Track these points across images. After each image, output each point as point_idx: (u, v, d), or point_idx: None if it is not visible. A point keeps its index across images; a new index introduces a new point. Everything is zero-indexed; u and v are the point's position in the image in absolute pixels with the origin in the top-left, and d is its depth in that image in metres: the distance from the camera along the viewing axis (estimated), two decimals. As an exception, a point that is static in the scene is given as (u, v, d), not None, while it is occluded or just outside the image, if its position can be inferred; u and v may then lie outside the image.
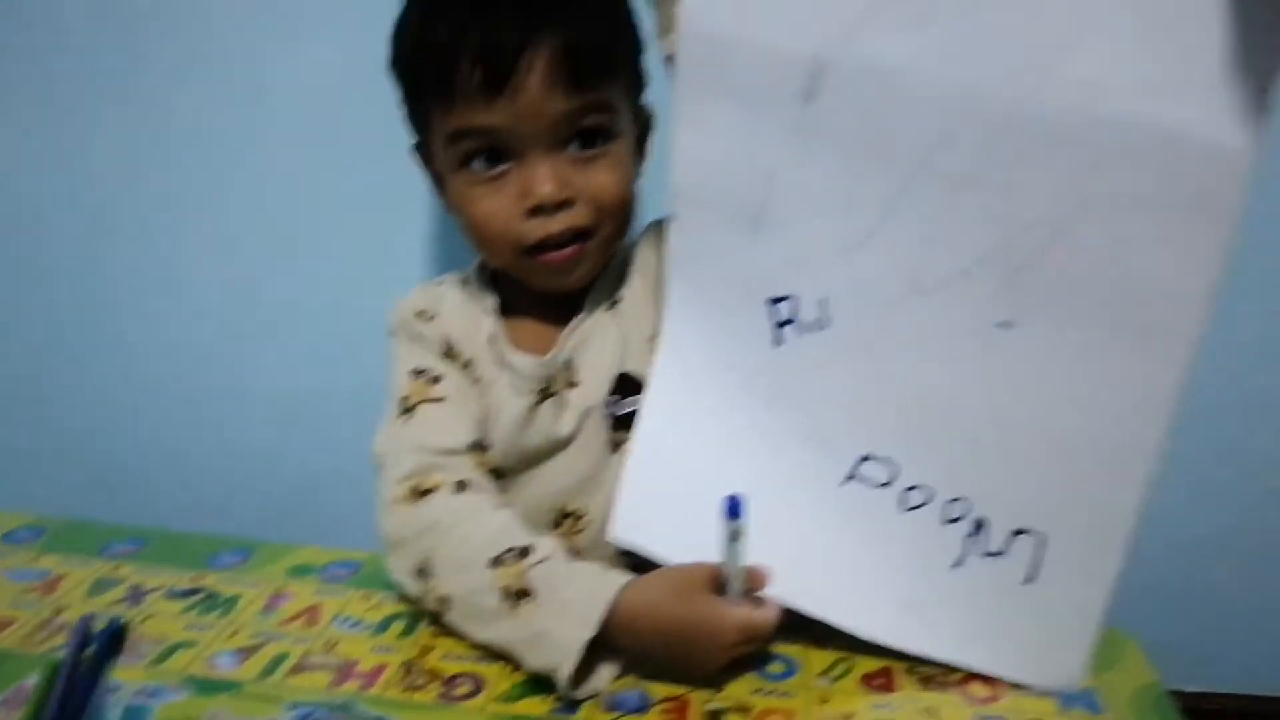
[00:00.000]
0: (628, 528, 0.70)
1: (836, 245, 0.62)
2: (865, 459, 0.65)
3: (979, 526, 0.63)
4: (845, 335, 0.64)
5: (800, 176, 0.62)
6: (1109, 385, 0.58)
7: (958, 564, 0.64)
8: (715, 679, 0.63)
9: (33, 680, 0.61)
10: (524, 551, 0.65)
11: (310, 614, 0.70)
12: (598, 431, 0.80)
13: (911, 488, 0.64)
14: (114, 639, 0.66)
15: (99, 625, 0.67)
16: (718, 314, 0.68)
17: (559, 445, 0.80)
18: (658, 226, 0.80)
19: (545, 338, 0.81)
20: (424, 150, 0.78)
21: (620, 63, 0.74)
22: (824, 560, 0.66)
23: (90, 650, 0.64)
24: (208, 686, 0.62)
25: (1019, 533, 0.62)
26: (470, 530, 0.67)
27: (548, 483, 0.81)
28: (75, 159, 1.11)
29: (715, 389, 0.69)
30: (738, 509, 0.59)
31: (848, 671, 0.66)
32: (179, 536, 0.81)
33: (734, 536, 0.60)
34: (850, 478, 0.66)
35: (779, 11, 0.60)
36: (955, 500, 0.64)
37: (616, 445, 0.79)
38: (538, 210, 0.71)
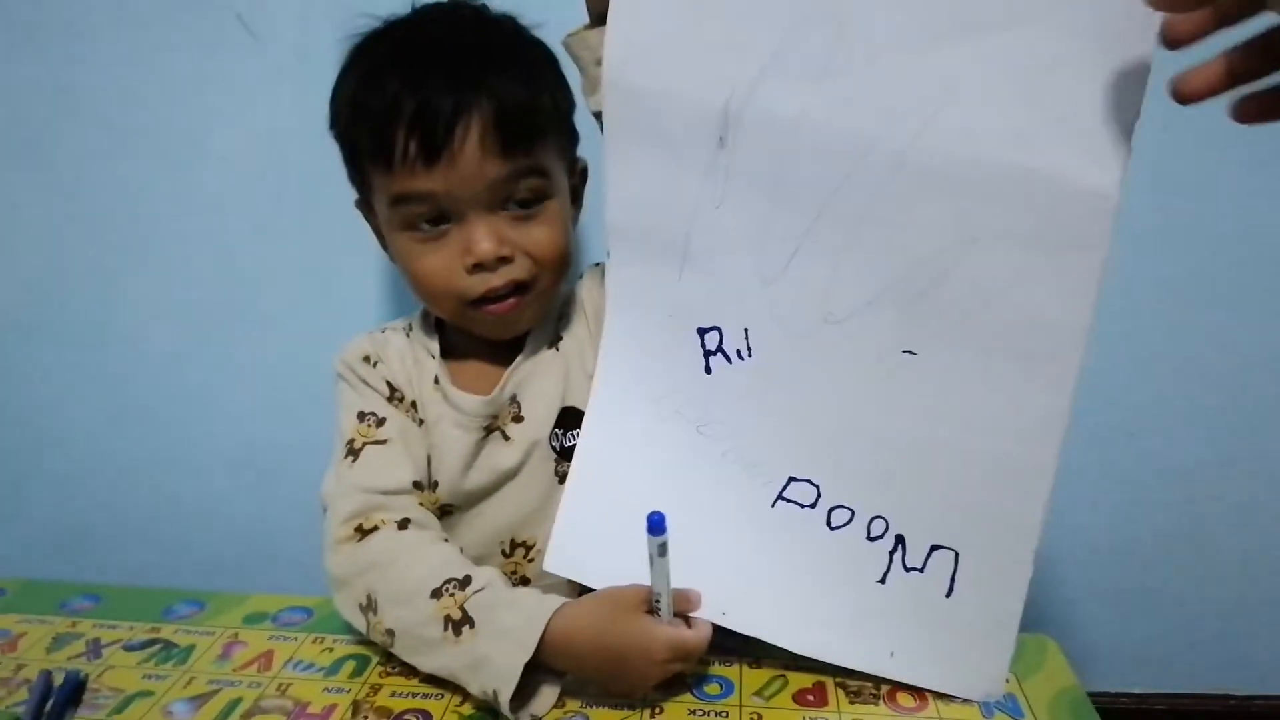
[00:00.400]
0: (562, 558, 0.73)
1: (754, 279, 0.66)
2: (792, 480, 0.69)
3: (899, 543, 0.67)
4: (766, 364, 0.68)
5: (719, 216, 0.67)
6: (1003, 409, 0.62)
7: (883, 580, 0.67)
8: (651, 697, 0.67)
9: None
10: (463, 582, 0.68)
11: (264, 659, 0.73)
12: (544, 463, 0.83)
13: (835, 507, 0.68)
14: (74, 692, 0.68)
15: (58, 679, 0.68)
16: (651, 345, 0.72)
17: (506, 477, 0.84)
18: (598, 269, 0.84)
19: (489, 377, 0.84)
20: (366, 206, 0.82)
21: (551, 123, 0.76)
22: (757, 579, 0.69)
23: (50, 703, 0.66)
24: (164, 734, 0.64)
25: (935, 548, 0.66)
26: (410, 564, 0.70)
27: (497, 515, 0.84)
28: (9, 220, 1.13)
29: (649, 417, 0.72)
30: (660, 525, 0.62)
31: (782, 689, 0.69)
32: (135, 591, 0.83)
33: (659, 553, 0.63)
34: (779, 499, 0.69)
35: (691, 66, 0.64)
36: (876, 518, 0.67)
37: (563, 476, 0.82)
38: (479, 267, 0.75)
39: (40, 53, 1.06)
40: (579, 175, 0.84)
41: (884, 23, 0.58)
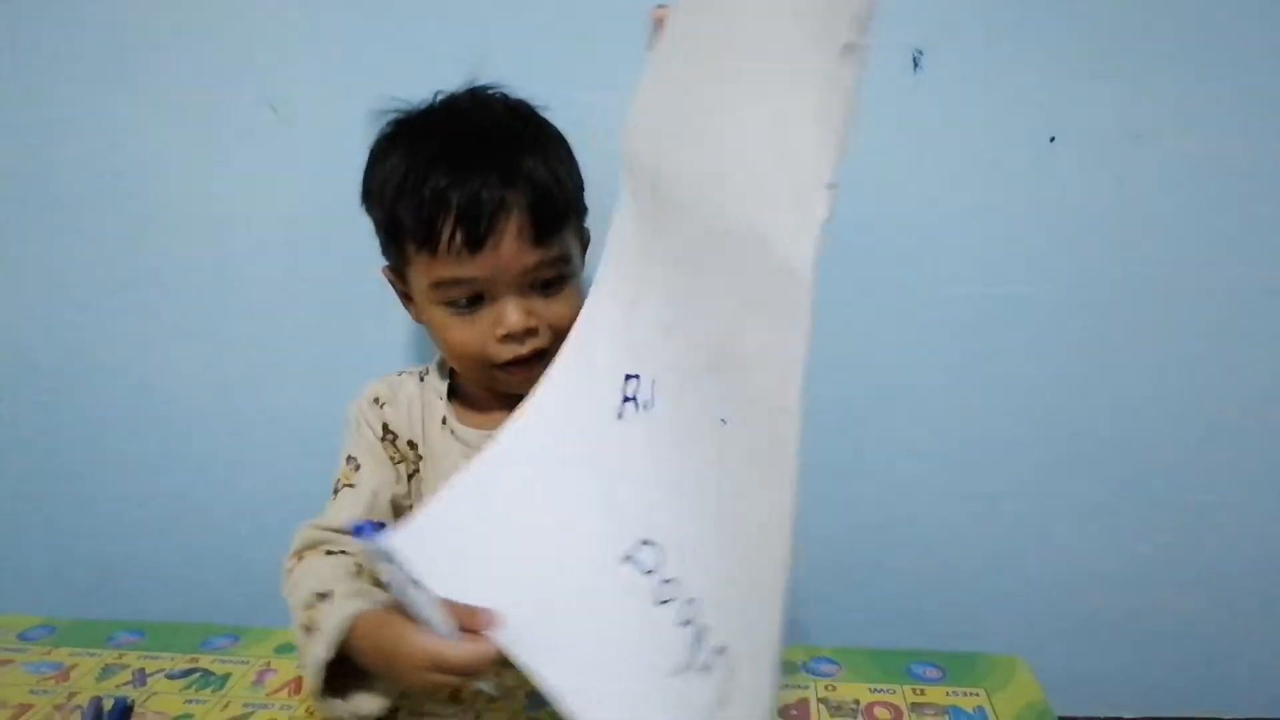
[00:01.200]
0: (413, 545, 0.63)
1: (658, 328, 0.63)
2: (645, 543, 0.64)
3: (700, 636, 0.57)
4: (656, 418, 0.63)
5: (649, 265, 0.65)
6: (756, 498, 0.53)
7: (677, 672, 0.58)
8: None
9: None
10: (323, 595, 0.73)
11: (294, 685, 0.80)
12: None
13: (668, 580, 0.61)
14: (122, 715, 0.74)
15: (108, 705, 0.75)
16: (588, 380, 0.71)
17: None
18: None
19: (495, 416, 0.90)
20: (396, 273, 0.87)
21: (573, 205, 0.82)
22: (576, 634, 0.63)
23: (100, 727, 0.73)
24: (205, 752, 0.71)
25: (720, 650, 0.56)
26: (303, 581, 0.76)
27: None
28: (57, 287, 1.23)
29: (558, 446, 0.71)
30: (361, 531, 0.61)
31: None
32: (175, 626, 0.90)
33: (377, 559, 0.62)
34: (627, 558, 0.64)
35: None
36: (691, 601, 0.59)
37: None
38: (509, 337, 0.81)
39: (82, 135, 1.16)
40: (584, 242, 0.90)
41: None
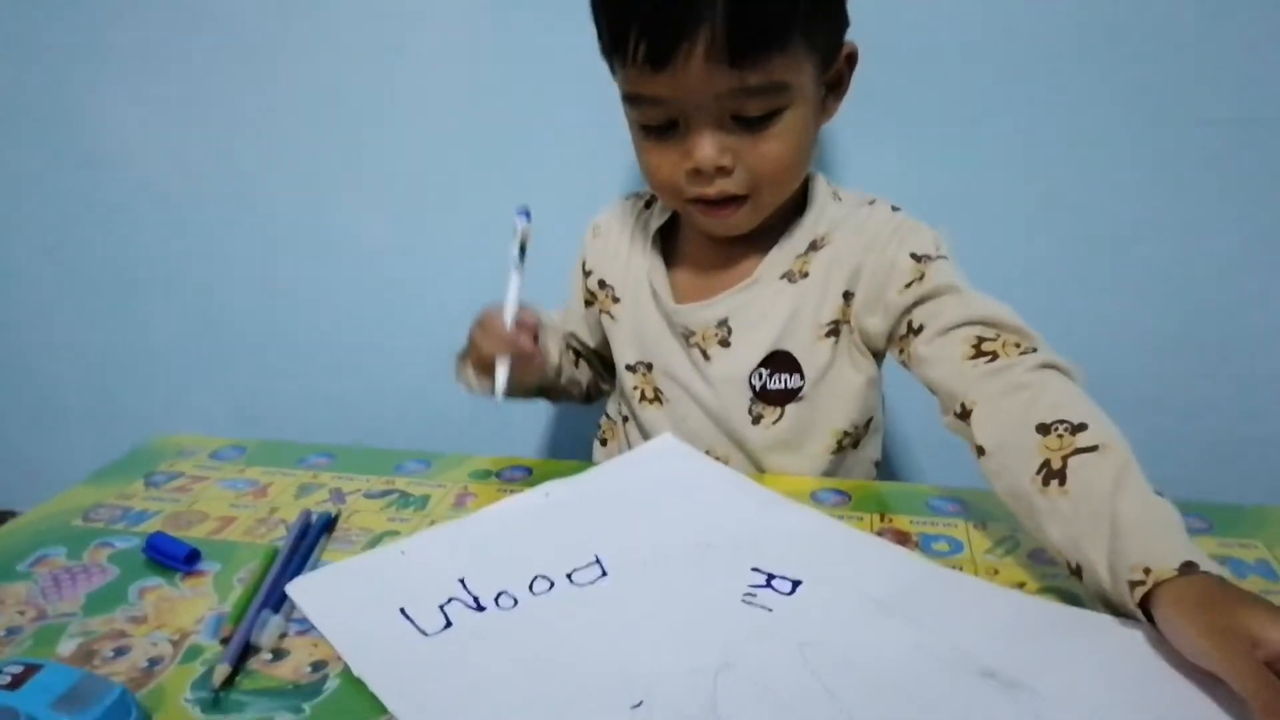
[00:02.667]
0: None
1: None
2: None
3: None
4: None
5: None
6: None
7: None
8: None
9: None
10: None
11: (498, 508, 0.76)
12: (737, 398, 0.83)
13: None
14: (327, 525, 0.72)
15: (314, 519, 0.73)
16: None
17: (694, 396, 0.85)
18: (893, 221, 0.80)
19: (704, 286, 0.84)
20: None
21: (798, 29, 0.69)
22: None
23: (307, 537, 0.70)
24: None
25: None
26: None
27: (674, 423, 0.87)
28: (234, 119, 1.20)
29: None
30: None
31: (1014, 549, 0.68)
32: (365, 450, 0.88)
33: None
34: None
35: None
36: None
37: (756, 417, 0.83)
38: (697, 172, 0.74)
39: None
40: (845, 61, 0.77)
41: None
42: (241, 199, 1.24)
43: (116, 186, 1.27)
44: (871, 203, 0.83)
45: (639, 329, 0.87)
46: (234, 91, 1.19)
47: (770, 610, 0.58)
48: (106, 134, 1.24)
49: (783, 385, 0.82)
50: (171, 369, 1.36)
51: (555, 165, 1.12)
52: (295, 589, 0.63)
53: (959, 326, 0.72)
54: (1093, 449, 0.59)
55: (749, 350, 0.82)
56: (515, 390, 0.81)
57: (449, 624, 0.59)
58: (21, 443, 1.48)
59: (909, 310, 0.76)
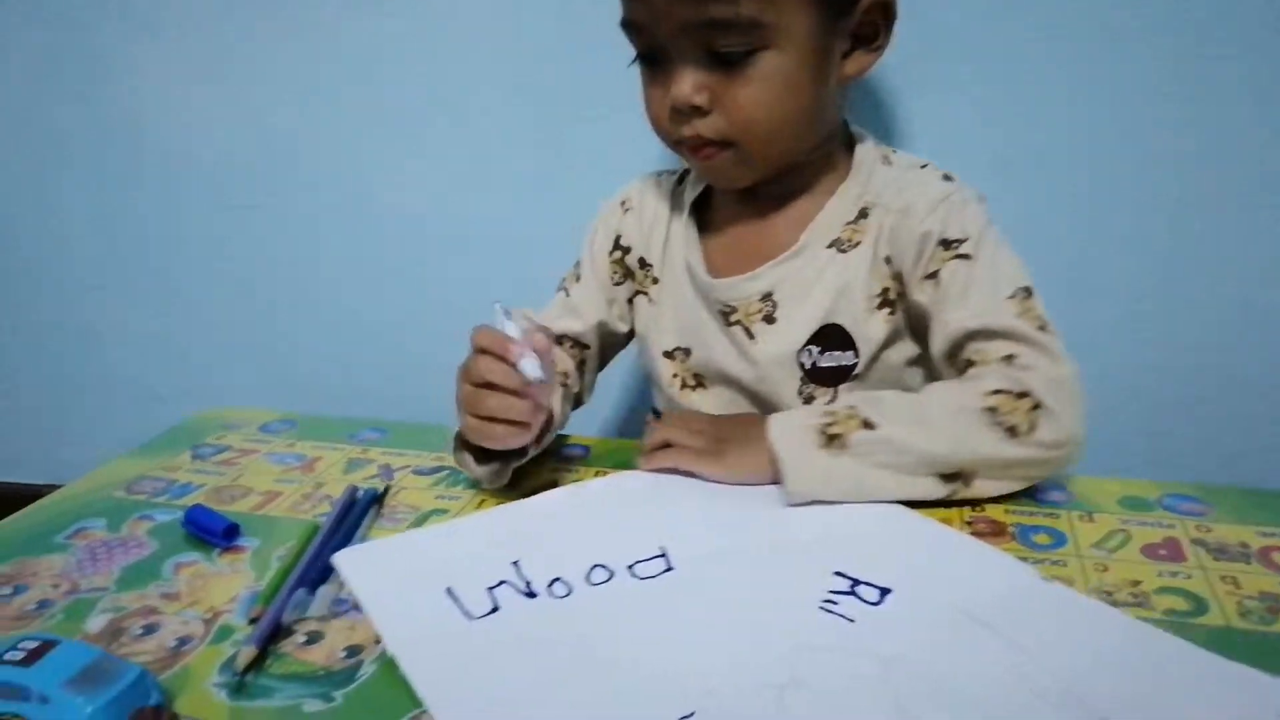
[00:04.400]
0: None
1: None
2: None
3: None
4: None
5: None
6: None
7: None
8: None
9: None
10: None
11: (547, 489, 0.71)
12: (787, 379, 0.76)
13: None
14: (373, 501, 0.68)
15: (360, 494, 0.69)
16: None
17: (735, 380, 0.78)
18: (940, 191, 0.72)
19: (745, 257, 0.77)
20: None
21: None
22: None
23: (351, 514, 0.66)
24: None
25: None
26: None
27: (722, 408, 0.80)
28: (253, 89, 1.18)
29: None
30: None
31: (1125, 542, 0.60)
32: (418, 426, 0.84)
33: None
34: None
35: None
36: None
37: (808, 398, 0.75)
38: (675, 112, 0.69)
39: None
40: (877, 11, 0.69)
41: None
42: (279, 172, 1.22)
43: (162, 159, 1.25)
44: (923, 166, 0.76)
45: (678, 310, 0.81)
46: (276, 65, 1.16)
47: (853, 621, 0.51)
48: (153, 108, 1.22)
49: (835, 363, 0.75)
50: (216, 343, 1.34)
51: (601, 142, 1.06)
52: (341, 559, 0.59)
53: (954, 344, 0.69)
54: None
55: (797, 326, 0.75)
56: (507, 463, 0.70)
57: (496, 609, 0.54)
58: (68, 418, 1.48)
59: (919, 296, 0.72)
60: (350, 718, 0.47)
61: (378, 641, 0.52)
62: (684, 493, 0.67)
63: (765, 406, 0.77)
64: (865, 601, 0.53)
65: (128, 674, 0.46)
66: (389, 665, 0.50)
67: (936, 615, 0.51)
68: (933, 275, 0.70)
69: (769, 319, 0.76)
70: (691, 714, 0.44)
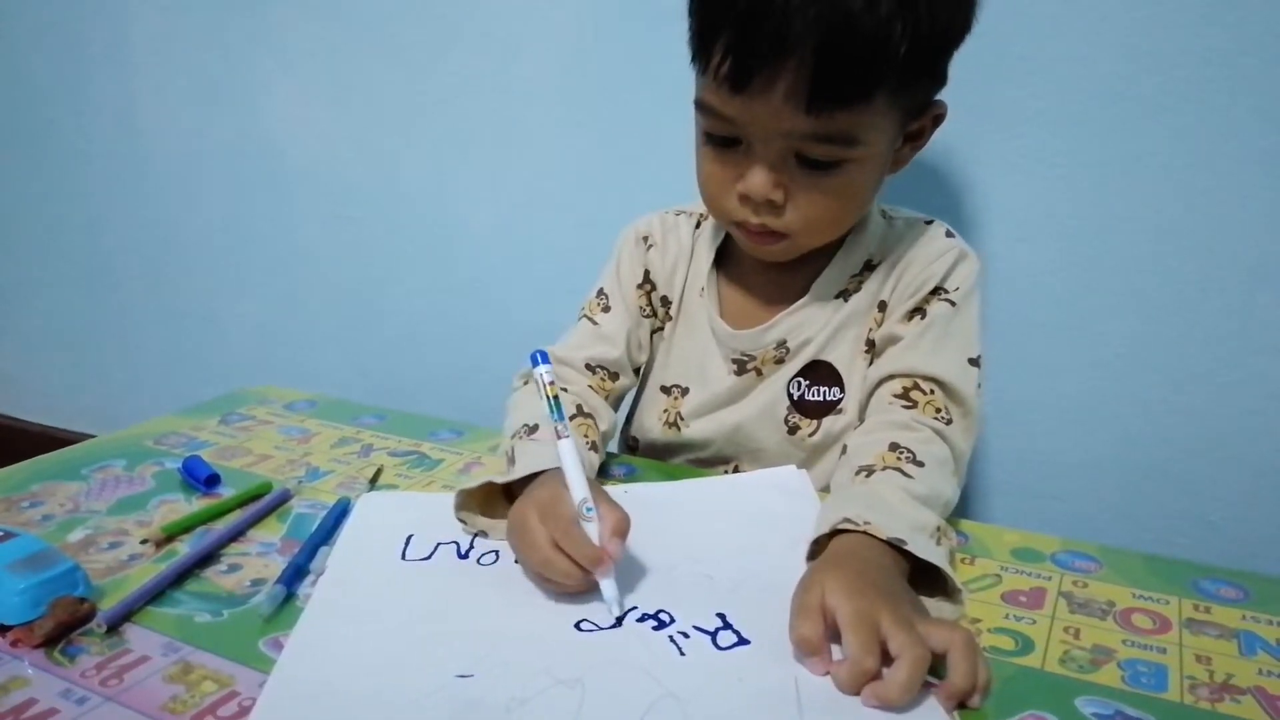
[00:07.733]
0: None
1: None
2: None
3: None
4: None
5: None
6: None
7: None
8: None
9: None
10: (531, 429, 0.72)
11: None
12: (773, 406, 0.80)
13: None
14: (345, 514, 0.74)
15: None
16: None
17: (724, 420, 0.82)
18: (942, 246, 0.77)
19: (758, 311, 0.81)
20: None
21: (887, 87, 0.65)
22: None
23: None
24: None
25: None
26: (521, 405, 0.77)
27: (706, 430, 0.83)
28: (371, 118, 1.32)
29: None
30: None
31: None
32: (411, 416, 0.93)
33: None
34: None
35: None
36: None
37: (792, 427, 0.79)
38: (745, 199, 0.71)
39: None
40: (931, 120, 0.73)
41: None
42: (379, 189, 1.35)
43: (290, 174, 1.41)
44: (929, 223, 0.79)
45: (687, 352, 0.85)
46: (379, 91, 1.29)
47: (684, 655, 0.53)
48: (286, 129, 1.39)
49: (821, 397, 0.79)
50: (317, 341, 1.49)
51: (653, 175, 1.13)
52: (364, 500, 0.73)
53: (904, 377, 0.73)
54: (910, 477, 0.64)
55: (799, 361, 0.80)
56: None
57: (428, 558, 0.65)
58: (191, 392, 1.66)
59: (893, 327, 0.77)
60: (226, 630, 0.56)
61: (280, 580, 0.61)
62: (667, 510, 0.71)
63: (742, 445, 0.82)
64: (717, 646, 0.54)
65: (61, 565, 0.57)
66: (273, 602, 0.58)
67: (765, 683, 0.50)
68: (918, 310, 0.75)
69: (779, 361, 0.80)
70: (471, 675, 0.51)
